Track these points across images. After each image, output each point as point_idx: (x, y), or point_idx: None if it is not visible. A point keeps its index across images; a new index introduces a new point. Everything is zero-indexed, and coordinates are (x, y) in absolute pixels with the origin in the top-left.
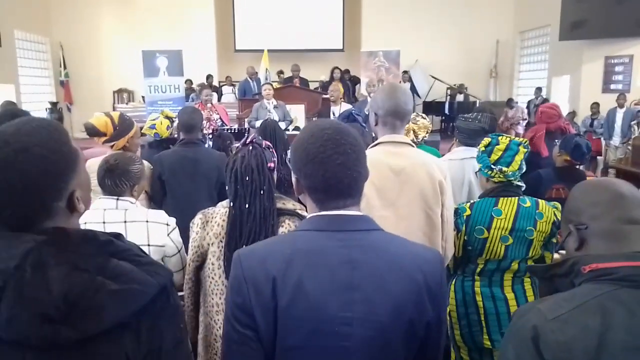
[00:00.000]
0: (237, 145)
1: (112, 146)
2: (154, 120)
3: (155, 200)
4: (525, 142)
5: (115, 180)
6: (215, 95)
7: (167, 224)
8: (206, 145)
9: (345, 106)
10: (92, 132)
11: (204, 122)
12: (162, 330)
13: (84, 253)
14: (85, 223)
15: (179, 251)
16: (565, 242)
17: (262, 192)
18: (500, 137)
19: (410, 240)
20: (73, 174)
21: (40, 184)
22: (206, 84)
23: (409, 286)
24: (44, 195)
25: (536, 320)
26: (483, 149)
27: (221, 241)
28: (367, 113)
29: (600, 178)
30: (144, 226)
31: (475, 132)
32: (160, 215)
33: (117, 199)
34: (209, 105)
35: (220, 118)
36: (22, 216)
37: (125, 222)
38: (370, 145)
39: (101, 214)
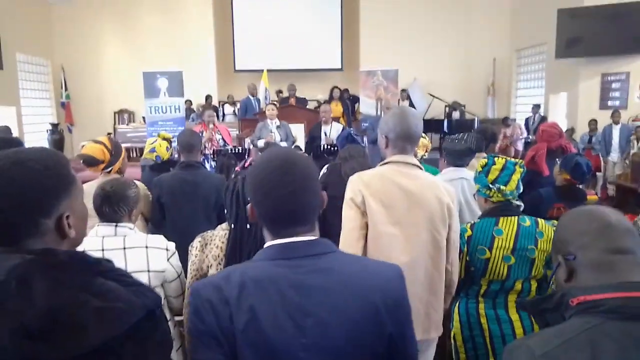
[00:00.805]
0: (237, 169)
1: (109, 171)
2: (152, 143)
3: (154, 223)
4: (521, 162)
5: (114, 206)
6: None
7: (167, 249)
8: (208, 165)
9: (336, 126)
10: (91, 162)
11: (207, 142)
12: (149, 358)
13: (70, 270)
14: (84, 250)
15: (178, 276)
16: (556, 273)
17: None
18: (496, 158)
19: (371, 260)
20: (65, 195)
21: (28, 195)
22: (206, 104)
23: (365, 307)
24: (30, 207)
25: (525, 358)
26: (480, 169)
27: (220, 263)
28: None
29: (588, 206)
30: (144, 252)
31: (462, 152)
32: (160, 240)
33: (116, 226)
34: (211, 126)
35: (223, 138)
36: (7, 226)
37: (124, 248)
38: (380, 163)
39: (100, 241)
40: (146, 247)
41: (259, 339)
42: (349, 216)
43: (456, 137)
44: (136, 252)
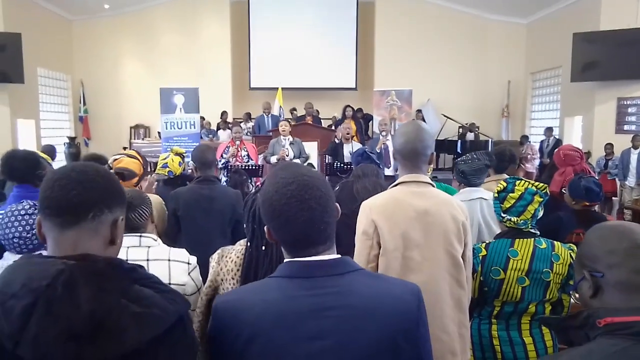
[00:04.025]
0: (258, 184)
1: (137, 185)
2: (164, 159)
3: (169, 236)
4: (542, 190)
5: (138, 210)
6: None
7: (189, 263)
8: (222, 177)
9: (356, 145)
10: (130, 176)
11: (231, 157)
12: None
13: (111, 277)
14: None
15: (198, 290)
16: (579, 286)
17: None
18: (517, 183)
19: (391, 278)
20: (122, 206)
21: (106, 184)
22: (221, 120)
23: (381, 330)
24: (102, 195)
25: None
26: (497, 194)
27: (233, 278)
28: (378, 151)
29: (617, 223)
30: (166, 265)
31: (479, 170)
32: (182, 254)
33: (140, 236)
34: (237, 142)
35: (249, 154)
36: (79, 201)
37: (147, 260)
38: (391, 185)
39: (124, 251)
40: (169, 260)
41: None
42: (359, 249)
43: (468, 158)
44: (159, 264)
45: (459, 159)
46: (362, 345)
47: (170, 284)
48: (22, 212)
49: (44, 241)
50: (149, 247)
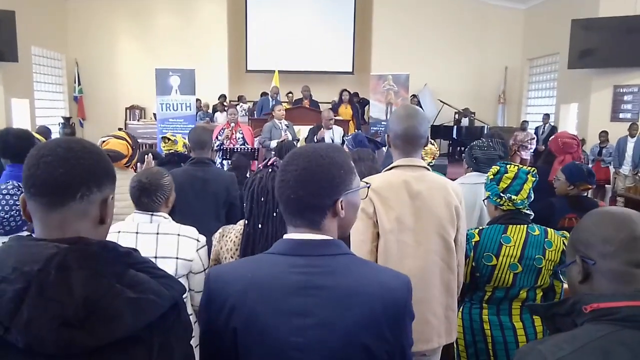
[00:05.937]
0: (260, 166)
1: (128, 166)
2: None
3: None
4: (533, 171)
5: (152, 197)
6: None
7: (198, 240)
8: (217, 159)
9: (338, 130)
10: (118, 158)
11: (225, 139)
12: (174, 347)
13: (104, 261)
14: (119, 232)
15: (204, 269)
16: (569, 269)
17: (275, 215)
18: (508, 166)
19: (381, 267)
20: (111, 183)
21: (92, 162)
22: (218, 102)
23: (365, 314)
24: (89, 173)
25: None
26: (492, 177)
27: (232, 257)
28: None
29: (617, 209)
30: (175, 239)
31: (492, 160)
32: (192, 231)
33: (152, 215)
34: (232, 124)
35: (244, 137)
36: (68, 182)
37: (157, 233)
38: (386, 168)
39: (135, 226)
40: (178, 235)
41: (257, 335)
42: (359, 228)
43: (484, 144)
44: (168, 238)
45: (474, 143)
46: (346, 326)
47: (177, 258)
48: (5, 191)
49: (29, 220)
50: (159, 223)
